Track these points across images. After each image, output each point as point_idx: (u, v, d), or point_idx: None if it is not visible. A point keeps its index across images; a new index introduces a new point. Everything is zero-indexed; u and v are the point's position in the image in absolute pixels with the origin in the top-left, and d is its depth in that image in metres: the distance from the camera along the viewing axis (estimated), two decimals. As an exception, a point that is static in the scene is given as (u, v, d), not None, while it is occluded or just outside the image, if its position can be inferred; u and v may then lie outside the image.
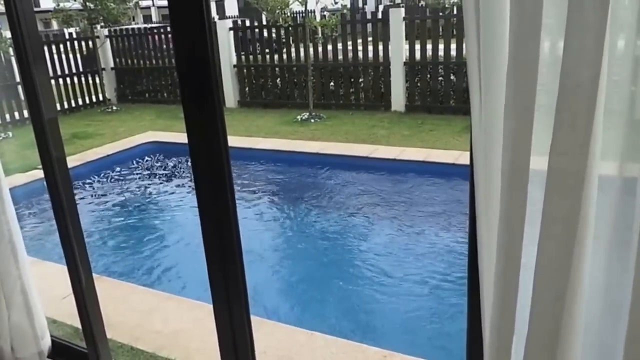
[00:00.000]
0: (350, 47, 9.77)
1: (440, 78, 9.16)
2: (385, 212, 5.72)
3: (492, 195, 1.09)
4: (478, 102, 1.06)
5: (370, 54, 9.55)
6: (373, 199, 6.05)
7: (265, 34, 10.74)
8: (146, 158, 7.92)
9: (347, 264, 4.74)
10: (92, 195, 6.66)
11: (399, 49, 9.14)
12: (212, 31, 1.42)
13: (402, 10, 9.10)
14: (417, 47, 9.07)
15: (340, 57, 9.90)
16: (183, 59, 1.47)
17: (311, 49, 9.55)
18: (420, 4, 21.63)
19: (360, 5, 28.05)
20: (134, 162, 7.79)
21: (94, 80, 12.13)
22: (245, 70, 10.89)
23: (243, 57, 10.99)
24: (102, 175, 7.27)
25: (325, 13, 11.68)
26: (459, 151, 6.79)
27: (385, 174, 6.70)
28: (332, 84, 10.08)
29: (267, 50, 10.61)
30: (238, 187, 6.30)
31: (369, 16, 9.89)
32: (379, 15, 9.63)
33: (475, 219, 1.14)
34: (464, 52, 8.08)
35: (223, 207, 1.60)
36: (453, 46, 8.88)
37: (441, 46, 8.95)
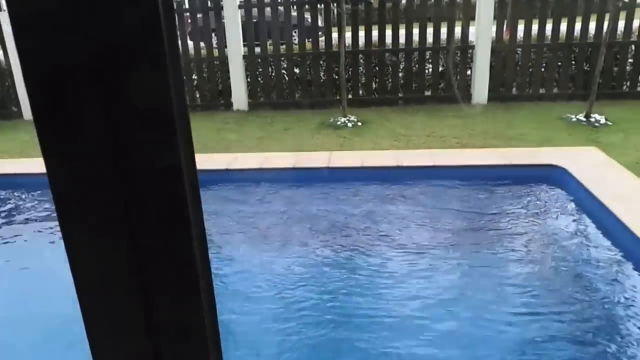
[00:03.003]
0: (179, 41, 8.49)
1: (283, 71, 8.47)
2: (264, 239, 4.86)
3: None
4: None
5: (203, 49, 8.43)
6: (249, 224, 5.12)
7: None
8: None
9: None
10: None
11: (236, 42, 8.19)
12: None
13: (238, -5, 8.12)
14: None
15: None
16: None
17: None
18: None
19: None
20: None
21: None
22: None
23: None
24: None
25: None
26: (327, 152, 6.30)
27: (255, 186, 5.76)
28: (160, 83, 8.69)
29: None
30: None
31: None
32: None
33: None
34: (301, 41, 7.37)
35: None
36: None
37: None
